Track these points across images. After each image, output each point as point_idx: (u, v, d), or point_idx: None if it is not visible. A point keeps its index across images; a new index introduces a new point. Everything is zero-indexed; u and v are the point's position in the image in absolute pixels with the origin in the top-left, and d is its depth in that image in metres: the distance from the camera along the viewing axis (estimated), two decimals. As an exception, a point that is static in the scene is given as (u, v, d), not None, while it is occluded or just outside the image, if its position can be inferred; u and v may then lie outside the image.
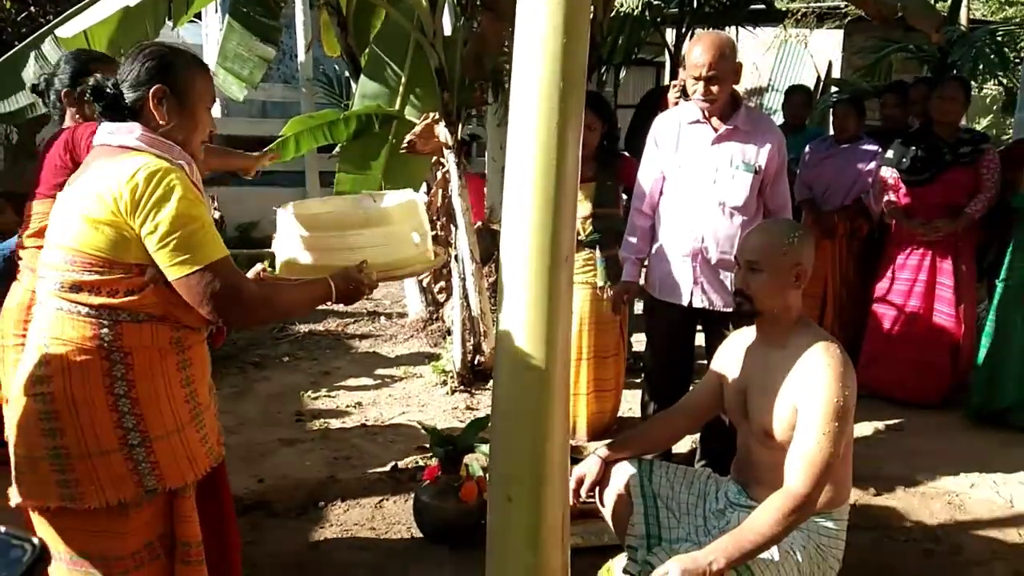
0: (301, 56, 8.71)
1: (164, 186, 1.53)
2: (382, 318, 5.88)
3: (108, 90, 1.63)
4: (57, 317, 1.57)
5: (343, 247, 1.94)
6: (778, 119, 5.13)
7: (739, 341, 2.30)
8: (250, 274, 1.93)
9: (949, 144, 4.05)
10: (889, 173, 4.21)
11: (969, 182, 4.04)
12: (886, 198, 4.22)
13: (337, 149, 4.31)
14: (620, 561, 2.34)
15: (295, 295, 1.84)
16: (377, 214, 2.01)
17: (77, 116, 2.42)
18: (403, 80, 4.04)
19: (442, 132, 3.98)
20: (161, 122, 1.64)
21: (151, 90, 1.62)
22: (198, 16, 9.06)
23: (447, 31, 4.06)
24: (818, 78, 7.55)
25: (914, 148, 4.10)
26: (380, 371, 4.74)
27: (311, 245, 1.97)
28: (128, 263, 1.56)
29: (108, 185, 1.54)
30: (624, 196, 3.79)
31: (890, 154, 4.21)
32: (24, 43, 3.45)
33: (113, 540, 1.63)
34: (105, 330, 1.56)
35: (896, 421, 4.02)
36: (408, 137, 3.93)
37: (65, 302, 1.57)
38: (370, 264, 1.90)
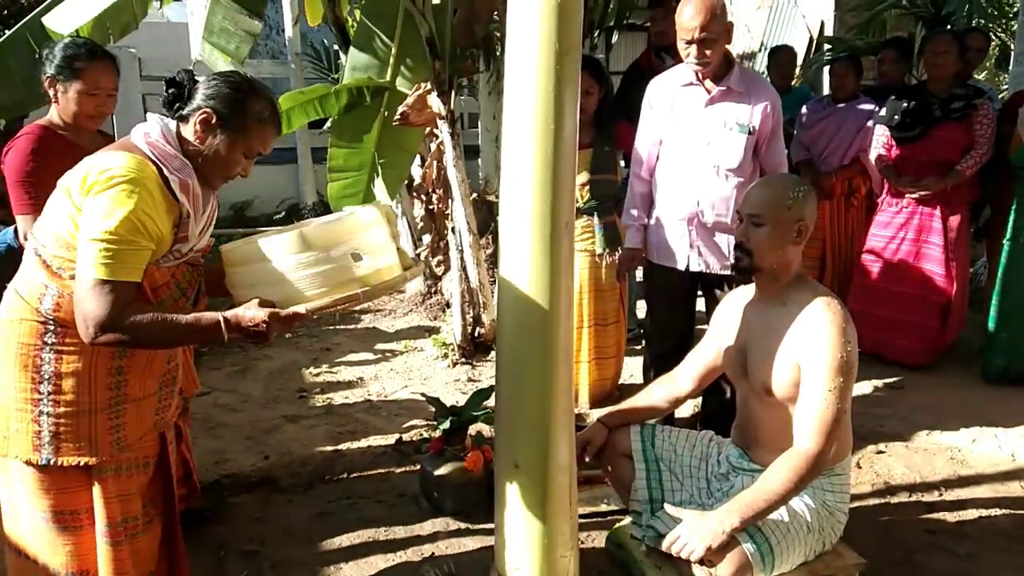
0: (288, 31, 8.60)
1: (123, 193, 1.55)
2: (380, 293, 5.86)
3: (173, 89, 1.69)
4: (25, 276, 1.68)
5: (269, 281, 1.71)
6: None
7: (737, 300, 2.29)
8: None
9: (940, 100, 3.99)
10: (881, 130, 4.18)
11: (961, 138, 3.97)
12: (877, 155, 4.19)
13: (328, 124, 4.26)
14: (627, 526, 2.36)
15: (177, 326, 1.61)
16: (290, 240, 1.70)
17: (56, 103, 2.38)
18: (393, 51, 3.98)
19: (435, 102, 3.94)
20: (195, 141, 1.68)
21: (202, 110, 1.66)
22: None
23: (436, -1, 3.99)
24: (810, 38, 7.44)
25: (905, 104, 4.06)
26: (380, 346, 4.74)
27: (248, 280, 1.76)
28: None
29: (88, 172, 1.59)
30: (623, 163, 3.76)
31: (883, 111, 4.17)
32: (11, 32, 3.40)
33: (36, 496, 1.68)
34: (47, 299, 1.63)
35: (894, 379, 4.04)
36: (401, 109, 3.89)
37: (32, 265, 1.66)
38: (297, 297, 1.67)
